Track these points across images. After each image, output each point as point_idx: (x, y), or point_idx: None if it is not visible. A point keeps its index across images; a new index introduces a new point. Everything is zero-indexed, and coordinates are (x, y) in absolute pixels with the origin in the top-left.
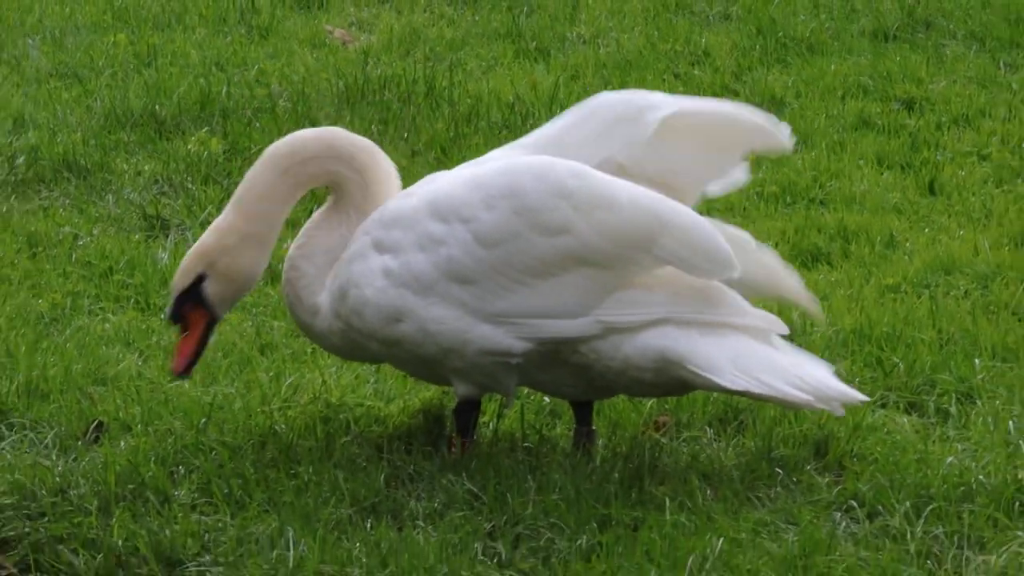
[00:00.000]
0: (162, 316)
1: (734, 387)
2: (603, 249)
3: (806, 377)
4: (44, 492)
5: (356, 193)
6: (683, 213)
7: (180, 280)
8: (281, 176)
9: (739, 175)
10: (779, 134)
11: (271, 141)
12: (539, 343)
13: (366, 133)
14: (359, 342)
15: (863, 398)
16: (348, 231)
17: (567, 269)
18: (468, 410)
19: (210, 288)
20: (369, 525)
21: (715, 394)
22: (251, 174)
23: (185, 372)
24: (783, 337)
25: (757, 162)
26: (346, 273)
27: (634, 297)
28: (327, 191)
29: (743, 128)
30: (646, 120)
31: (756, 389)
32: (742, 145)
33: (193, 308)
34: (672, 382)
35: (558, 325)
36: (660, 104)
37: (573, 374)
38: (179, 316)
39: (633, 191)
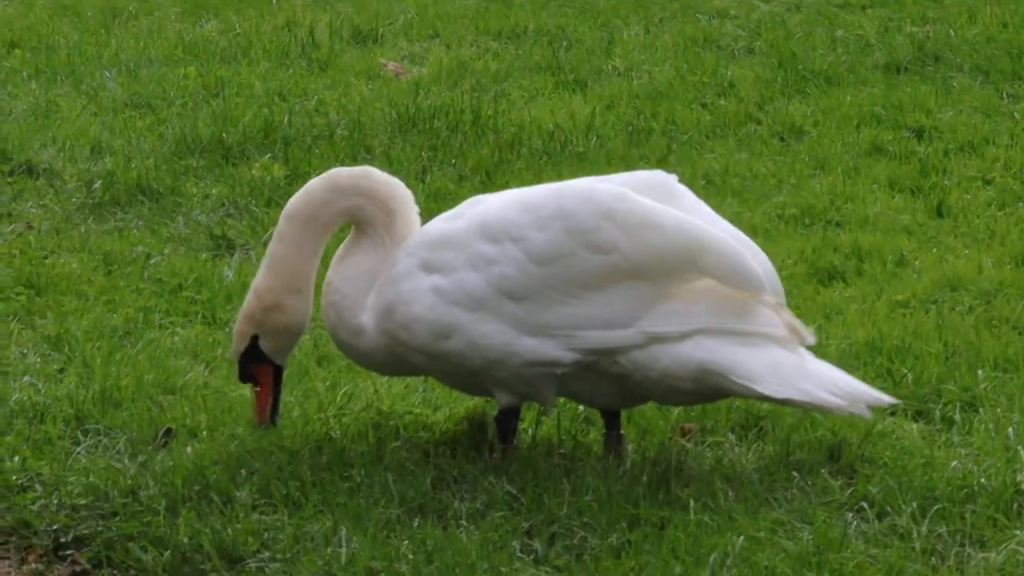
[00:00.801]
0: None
1: (776, 396)
2: (649, 265)
3: (838, 382)
4: (116, 493)
5: (381, 225)
6: (719, 239)
7: (237, 344)
8: (308, 221)
9: None
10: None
11: (330, 166)
12: (584, 353)
13: (417, 159)
14: (404, 356)
15: (889, 400)
16: (385, 253)
17: (614, 281)
18: (509, 417)
19: (265, 344)
20: (416, 524)
21: (737, 402)
22: (284, 222)
23: (271, 422)
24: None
25: (778, 186)
26: (393, 292)
27: (675, 309)
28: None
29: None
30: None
31: (797, 397)
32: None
33: (257, 364)
34: (708, 390)
35: (604, 335)
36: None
37: (611, 383)
38: (247, 375)
39: (674, 215)
